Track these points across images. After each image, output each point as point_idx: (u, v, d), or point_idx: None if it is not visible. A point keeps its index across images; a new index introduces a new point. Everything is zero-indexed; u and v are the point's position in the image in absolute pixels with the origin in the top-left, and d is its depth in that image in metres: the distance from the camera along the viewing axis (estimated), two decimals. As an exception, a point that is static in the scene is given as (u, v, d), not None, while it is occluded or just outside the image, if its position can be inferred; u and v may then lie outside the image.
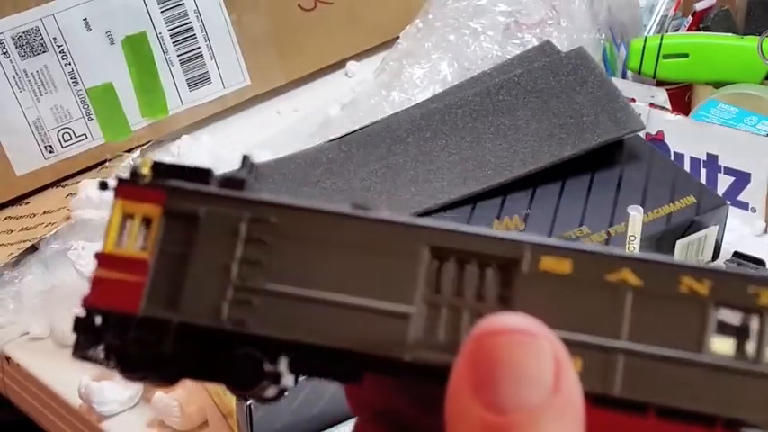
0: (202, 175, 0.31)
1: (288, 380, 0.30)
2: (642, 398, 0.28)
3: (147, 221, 0.30)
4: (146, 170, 0.31)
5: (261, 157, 0.78)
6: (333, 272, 0.30)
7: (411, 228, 0.30)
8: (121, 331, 0.30)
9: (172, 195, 0.30)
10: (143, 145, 0.93)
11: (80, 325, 0.30)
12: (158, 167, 0.31)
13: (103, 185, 0.32)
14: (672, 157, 0.82)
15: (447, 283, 0.30)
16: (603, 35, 0.93)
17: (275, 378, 0.29)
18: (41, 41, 0.87)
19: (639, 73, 0.90)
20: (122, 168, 0.89)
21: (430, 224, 0.30)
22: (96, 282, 0.30)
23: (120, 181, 0.31)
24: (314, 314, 0.30)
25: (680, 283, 0.29)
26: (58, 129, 0.89)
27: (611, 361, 0.28)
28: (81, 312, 0.30)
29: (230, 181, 0.31)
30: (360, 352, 0.30)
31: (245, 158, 0.32)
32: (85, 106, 0.90)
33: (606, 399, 0.28)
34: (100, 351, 0.29)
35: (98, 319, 0.30)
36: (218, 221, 0.30)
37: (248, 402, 0.60)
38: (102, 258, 0.30)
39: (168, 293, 0.30)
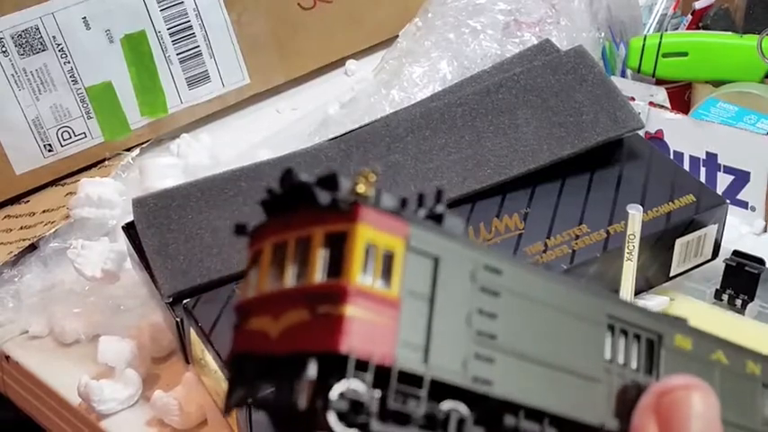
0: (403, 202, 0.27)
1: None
2: None
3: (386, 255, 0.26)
4: (363, 188, 0.26)
5: (260, 156, 0.78)
6: (545, 331, 0.29)
7: (598, 296, 0.31)
8: (378, 385, 0.25)
9: (415, 229, 0.27)
10: (142, 144, 0.93)
11: (329, 372, 0.24)
12: (377, 189, 0.26)
13: (241, 229, 0.27)
14: (671, 156, 0.82)
15: (617, 351, 0.31)
16: (603, 34, 0.93)
17: None
18: (41, 40, 0.87)
19: (639, 72, 0.90)
20: (122, 167, 0.89)
21: (607, 293, 0.31)
22: (348, 322, 0.24)
23: (358, 202, 0.25)
24: (537, 376, 0.29)
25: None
26: (58, 127, 0.89)
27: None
28: (321, 356, 0.24)
29: (432, 216, 0.28)
30: (574, 419, 0.29)
31: (440, 193, 0.28)
32: (85, 105, 0.90)
33: None
34: (345, 406, 0.24)
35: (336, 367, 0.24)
36: (458, 264, 0.27)
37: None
38: (351, 294, 0.25)
39: (418, 342, 0.26)
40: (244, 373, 0.26)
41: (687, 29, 0.94)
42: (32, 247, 0.82)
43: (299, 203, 0.26)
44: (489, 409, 0.27)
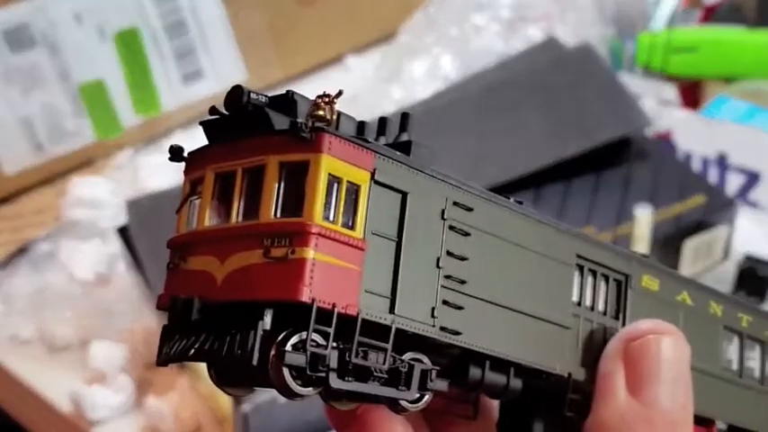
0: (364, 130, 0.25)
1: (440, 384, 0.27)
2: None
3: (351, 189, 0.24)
4: (324, 112, 0.23)
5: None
6: (516, 275, 0.27)
7: (569, 234, 0.29)
8: (338, 336, 0.23)
9: (381, 161, 0.24)
10: (135, 143, 0.92)
11: (286, 324, 0.22)
12: (342, 116, 0.24)
13: (176, 152, 0.25)
14: (680, 155, 0.81)
15: (585, 293, 0.30)
16: (610, 29, 0.92)
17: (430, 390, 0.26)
18: (31, 36, 0.86)
19: (647, 68, 0.89)
20: (114, 167, 0.88)
21: (576, 232, 0.30)
22: (310, 267, 0.22)
23: (322, 128, 0.23)
24: (506, 324, 0.27)
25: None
26: (48, 126, 0.88)
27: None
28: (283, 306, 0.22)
29: (398, 145, 0.26)
30: (533, 367, 0.28)
31: (406, 118, 0.26)
32: (76, 103, 0.89)
33: None
34: (302, 360, 0.23)
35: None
36: (427, 201, 0.25)
37: (245, 409, 0.59)
38: (313, 235, 0.22)
39: (383, 289, 0.24)
40: (182, 321, 0.23)
41: (697, 24, 0.93)
42: (22, 250, 0.81)
43: (249, 127, 0.23)
44: (455, 361, 0.26)
